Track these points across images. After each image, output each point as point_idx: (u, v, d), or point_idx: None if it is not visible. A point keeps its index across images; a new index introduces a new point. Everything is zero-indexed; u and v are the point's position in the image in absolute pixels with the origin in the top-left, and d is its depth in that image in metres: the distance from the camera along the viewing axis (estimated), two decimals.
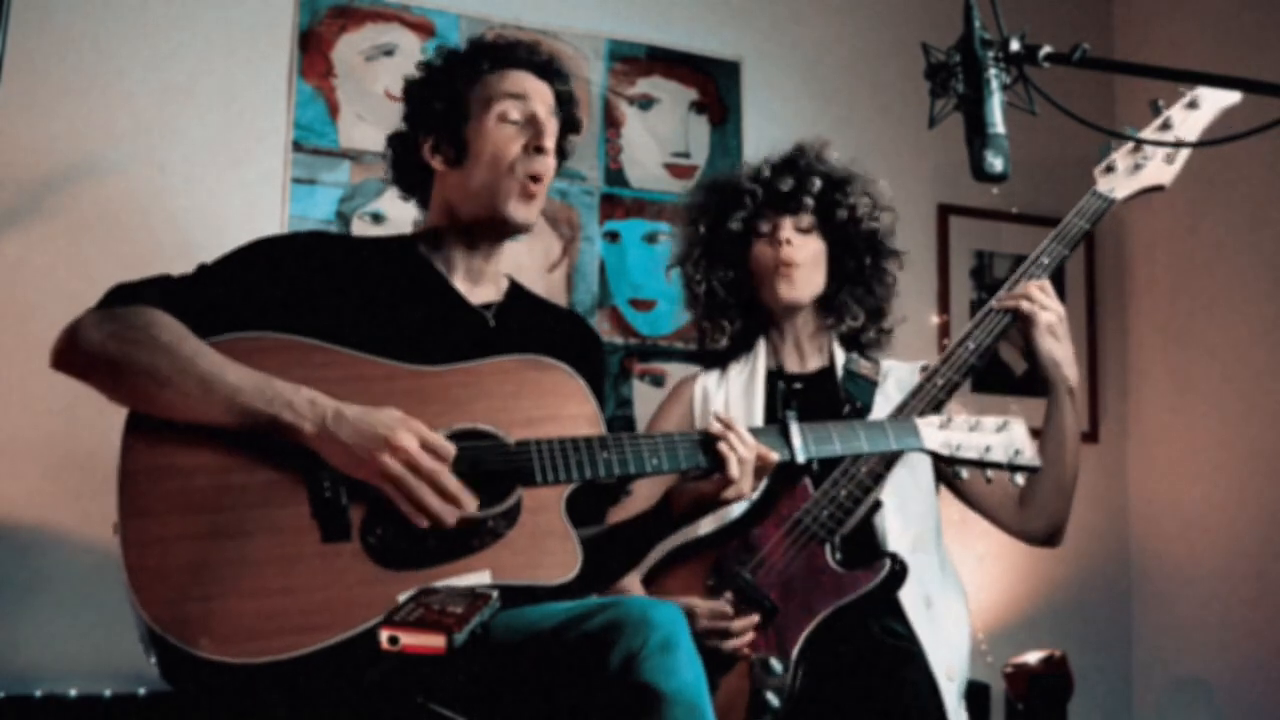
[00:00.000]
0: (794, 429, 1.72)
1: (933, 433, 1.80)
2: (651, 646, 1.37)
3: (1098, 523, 3.53)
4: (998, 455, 1.80)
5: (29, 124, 2.64)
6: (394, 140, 1.93)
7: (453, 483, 1.49)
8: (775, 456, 1.68)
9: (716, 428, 1.66)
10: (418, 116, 1.88)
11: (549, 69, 1.89)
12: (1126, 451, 3.60)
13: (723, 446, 1.64)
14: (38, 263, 2.61)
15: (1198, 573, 3.32)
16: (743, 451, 1.64)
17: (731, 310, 2.29)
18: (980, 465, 1.81)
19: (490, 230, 1.84)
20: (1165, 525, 3.46)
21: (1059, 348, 2.03)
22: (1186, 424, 3.41)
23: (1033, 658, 2.85)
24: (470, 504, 1.50)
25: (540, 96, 1.84)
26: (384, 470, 1.46)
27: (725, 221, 2.26)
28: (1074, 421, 2.08)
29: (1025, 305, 2.01)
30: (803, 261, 2.21)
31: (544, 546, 1.55)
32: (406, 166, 1.92)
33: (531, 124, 1.81)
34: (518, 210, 1.81)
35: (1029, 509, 2.15)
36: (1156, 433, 3.52)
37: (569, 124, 1.95)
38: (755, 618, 1.90)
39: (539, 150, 1.80)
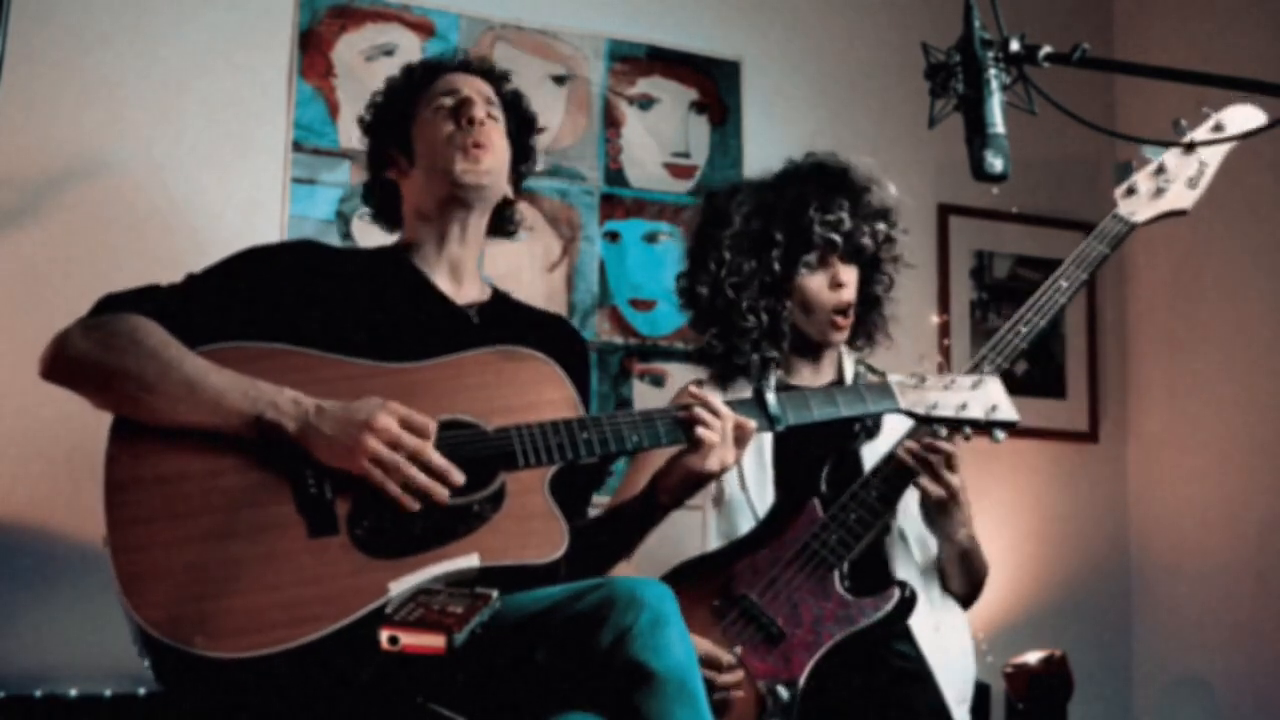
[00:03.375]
0: (769, 397, 1.73)
1: (908, 393, 1.80)
2: (642, 624, 1.39)
3: (1098, 523, 3.53)
4: (974, 412, 1.79)
5: (29, 124, 2.64)
6: (366, 185, 2.00)
7: (438, 458, 1.50)
8: (753, 424, 1.71)
9: (692, 402, 1.69)
10: (373, 144, 1.95)
11: (483, 69, 1.96)
12: (1126, 451, 3.60)
13: (700, 418, 1.67)
14: (38, 263, 2.61)
15: (1198, 573, 3.32)
16: (720, 422, 1.67)
17: (785, 339, 2.20)
18: (957, 423, 1.80)
19: (452, 205, 1.85)
20: (1165, 525, 3.46)
21: (951, 521, 2.02)
22: (1186, 424, 3.41)
23: (1033, 658, 2.85)
24: (458, 478, 1.51)
25: (471, 87, 1.89)
26: (369, 452, 1.48)
27: (796, 262, 2.16)
28: (977, 559, 2.09)
29: (933, 490, 1.97)
30: (853, 299, 2.19)
31: (530, 527, 1.56)
32: (380, 197, 1.98)
33: (460, 105, 1.85)
34: (465, 171, 1.81)
35: (946, 580, 2.14)
36: (1156, 433, 3.52)
37: (523, 120, 1.99)
38: (740, 675, 1.87)
39: (470, 122, 1.83)
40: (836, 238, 2.14)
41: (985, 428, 1.82)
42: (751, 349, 2.18)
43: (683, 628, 1.43)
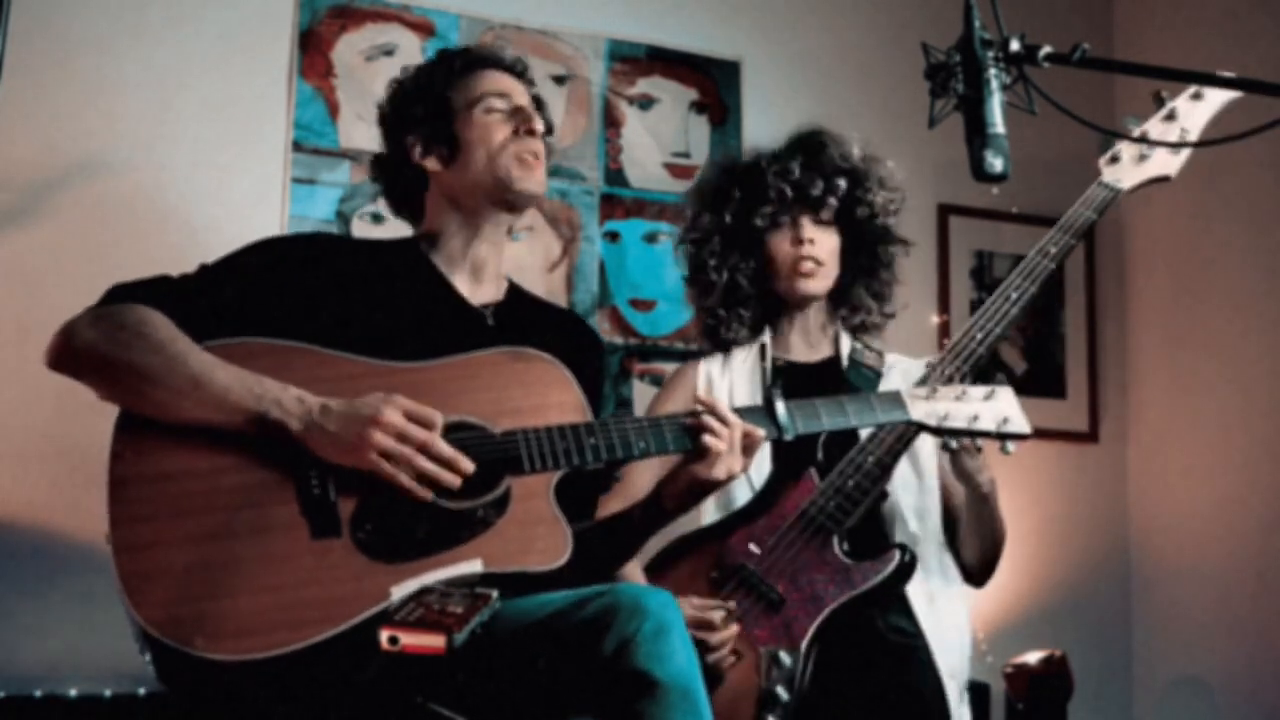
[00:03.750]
0: (779, 406, 1.71)
1: (919, 404, 1.78)
2: (645, 632, 1.38)
3: (1098, 523, 3.53)
4: (986, 423, 1.78)
5: (29, 124, 2.64)
6: (379, 162, 1.96)
7: (446, 447, 1.49)
8: (761, 433, 1.68)
9: (701, 409, 1.67)
10: (403, 126, 1.90)
11: (519, 70, 1.95)
12: (1126, 451, 3.60)
13: (708, 426, 1.65)
14: (38, 263, 2.61)
15: (1198, 573, 3.32)
16: (728, 431, 1.65)
17: (752, 301, 2.25)
18: (969, 434, 1.79)
19: (498, 210, 1.85)
20: (1165, 525, 3.46)
21: (975, 462, 2.02)
22: (1186, 424, 3.41)
23: (1033, 658, 2.85)
24: (468, 466, 1.50)
25: (519, 92, 1.90)
26: (376, 446, 1.47)
27: (750, 215, 2.22)
28: (996, 510, 2.09)
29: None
30: (823, 259, 2.20)
31: (534, 533, 1.55)
32: (398, 181, 1.94)
33: (518, 113, 1.85)
34: (523, 179, 1.81)
35: (961, 545, 2.16)
36: (1156, 433, 3.52)
37: (547, 129, 1.97)
38: (735, 629, 1.88)
39: (530, 133, 1.83)
40: (785, 187, 2.18)
41: (997, 439, 1.80)
42: (721, 308, 2.24)
43: (685, 636, 1.42)
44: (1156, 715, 3.42)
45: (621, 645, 1.37)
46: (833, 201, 2.21)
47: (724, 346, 2.30)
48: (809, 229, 2.19)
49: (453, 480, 1.49)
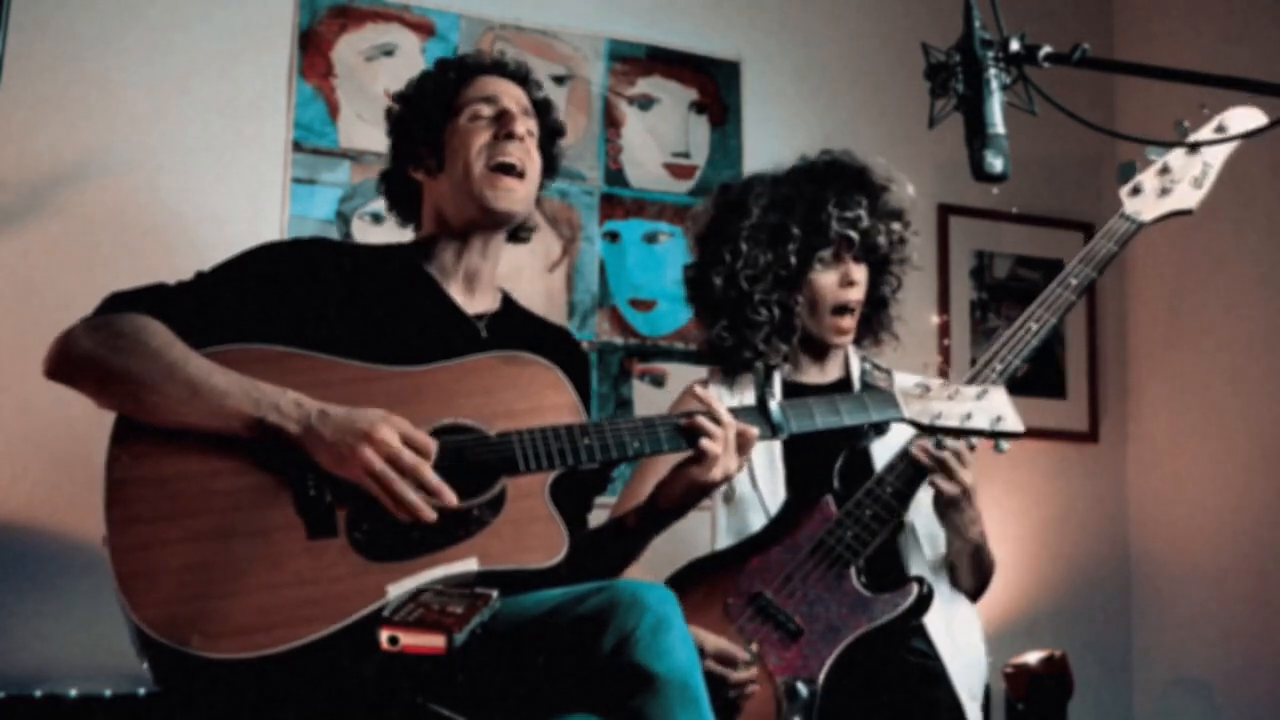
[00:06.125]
0: (772, 405, 1.72)
1: (912, 403, 1.78)
2: (644, 628, 1.38)
3: (1098, 523, 3.53)
4: (979, 422, 1.77)
5: (29, 124, 2.65)
6: (384, 174, 1.97)
7: (433, 478, 1.49)
8: (755, 431, 1.69)
9: (695, 408, 1.67)
10: (400, 139, 1.92)
11: (518, 74, 1.93)
12: (1126, 451, 3.60)
13: (703, 426, 1.65)
14: (38, 263, 2.61)
15: (1198, 573, 3.32)
16: (722, 430, 1.65)
17: (796, 334, 2.19)
18: (963, 433, 1.79)
19: (479, 225, 1.85)
20: (1165, 525, 3.46)
21: (963, 518, 2.02)
22: (1186, 424, 3.41)
23: (1033, 658, 2.85)
24: (451, 498, 1.50)
25: (510, 95, 1.87)
26: (366, 465, 1.47)
27: (810, 257, 2.16)
28: (986, 553, 2.09)
29: (948, 488, 1.98)
30: (861, 299, 2.19)
31: (529, 531, 1.56)
32: (398, 191, 1.95)
33: (500, 117, 1.83)
34: (494, 197, 1.80)
35: (956, 576, 2.15)
36: (1156, 433, 3.52)
37: (553, 130, 1.97)
38: (754, 671, 1.86)
39: (509, 137, 1.81)
40: (853, 235, 2.15)
41: (990, 438, 1.80)
42: (762, 342, 2.17)
43: (685, 631, 1.43)
44: (1156, 715, 3.42)
45: (621, 641, 1.38)
46: (885, 246, 2.19)
47: (727, 368, 2.24)
48: (855, 271, 2.17)
49: (429, 515, 1.48)
